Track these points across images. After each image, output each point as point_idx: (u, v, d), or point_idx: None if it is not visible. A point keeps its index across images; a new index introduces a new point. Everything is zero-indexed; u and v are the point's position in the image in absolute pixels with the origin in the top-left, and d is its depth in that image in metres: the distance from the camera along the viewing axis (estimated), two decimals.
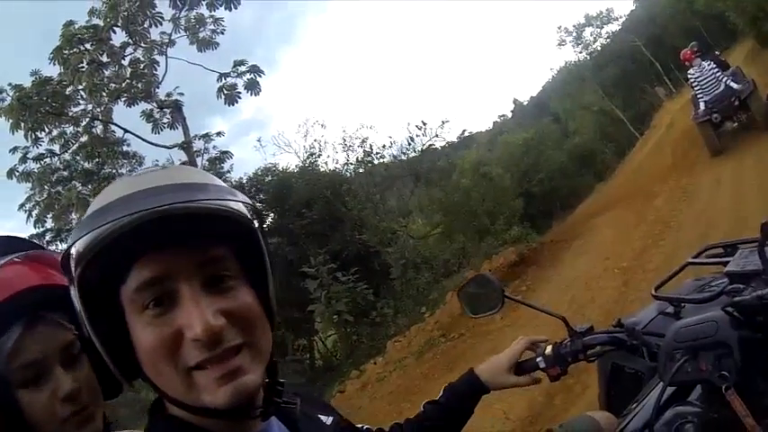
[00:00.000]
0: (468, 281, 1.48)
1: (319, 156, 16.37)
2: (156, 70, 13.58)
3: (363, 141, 15.92)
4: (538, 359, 1.42)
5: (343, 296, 12.20)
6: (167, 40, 13.64)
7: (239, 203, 0.75)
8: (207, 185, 0.73)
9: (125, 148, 14.27)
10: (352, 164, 16.17)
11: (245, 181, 16.14)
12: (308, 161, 16.32)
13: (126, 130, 13.86)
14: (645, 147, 16.81)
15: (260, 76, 14.15)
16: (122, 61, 13.34)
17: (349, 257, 13.74)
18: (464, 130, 17.14)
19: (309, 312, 12.68)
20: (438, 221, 13.54)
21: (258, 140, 16.41)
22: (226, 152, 15.38)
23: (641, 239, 8.77)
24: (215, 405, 0.69)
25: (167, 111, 13.94)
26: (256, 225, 0.77)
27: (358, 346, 12.26)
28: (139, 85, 13.41)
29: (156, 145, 14.01)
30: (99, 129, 13.75)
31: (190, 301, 0.69)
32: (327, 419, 0.99)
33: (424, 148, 15.34)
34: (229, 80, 14.08)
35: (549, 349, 1.42)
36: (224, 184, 0.77)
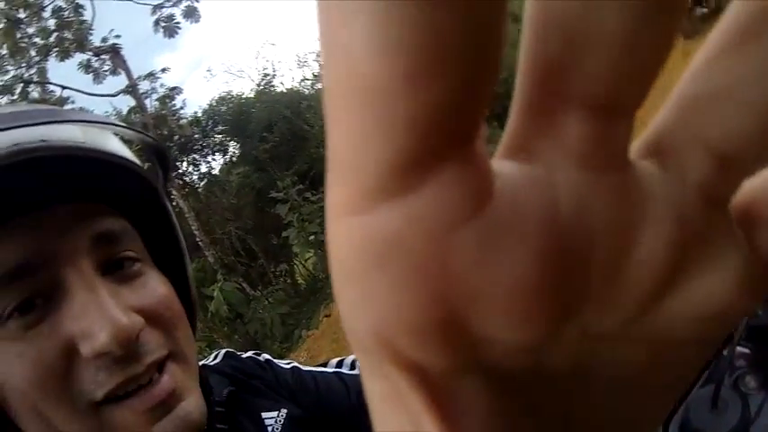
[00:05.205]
0: None
1: (274, 77, 15.91)
2: (82, 15, 12.91)
3: (318, 55, 15.53)
4: None
5: (315, 216, 11.95)
6: None
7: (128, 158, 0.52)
8: (87, 118, 0.51)
9: (69, 106, 13.31)
10: (309, 80, 15.83)
11: (200, 114, 15.63)
12: (263, 84, 15.87)
13: (64, 87, 13.17)
14: None
15: (197, 1, 13.32)
16: (42, 13, 12.63)
17: (317, 176, 13.25)
18: None
19: (285, 238, 12.59)
20: None
21: (208, 70, 16.18)
22: (174, 88, 14.64)
23: None
24: None
25: (106, 58, 13.39)
26: (160, 176, 0.56)
27: None
28: (69, 36, 12.79)
29: (99, 95, 13.55)
30: (36, 92, 12.90)
31: (83, 293, 0.45)
32: (277, 418, 0.67)
33: None
34: (165, 11, 13.20)
35: None
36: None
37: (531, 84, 0.12)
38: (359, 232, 0.11)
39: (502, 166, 0.12)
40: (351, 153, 0.11)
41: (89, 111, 0.54)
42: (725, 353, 0.94)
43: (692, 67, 0.12)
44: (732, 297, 0.13)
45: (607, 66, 0.11)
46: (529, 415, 0.13)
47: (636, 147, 0.13)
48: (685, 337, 0.13)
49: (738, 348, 0.94)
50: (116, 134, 0.52)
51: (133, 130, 0.54)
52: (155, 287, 0.51)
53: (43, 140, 0.44)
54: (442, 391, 0.12)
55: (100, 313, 0.44)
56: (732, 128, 0.12)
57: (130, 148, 0.55)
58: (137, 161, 0.53)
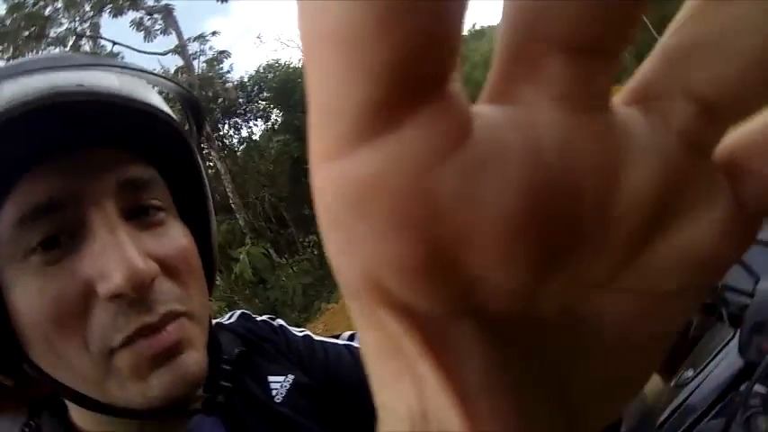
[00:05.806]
0: None
1: None
2: None
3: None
4: None
5: None
6: None
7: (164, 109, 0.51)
8: (124, 65, 0.51)
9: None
10: None
11: (246, 79, 15.76)
12: None
13: (115, 43, 13.44)
14: None
15: None
16: None
17: None
18: (474, 24, 16.44)
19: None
20: None
21: (258, 37, 16.16)
22: (223, 52, 14.77)
23: None
24: (146, 399, 0.46)
25: (158, 17, 13.56)
26: (194, 132, 0.56)
27: None
28: None
29: (148, 53, 13.75)
30: (87, 46, 13.16)
31: (104, 233, 0.46)
32: (283, 383, 0.66)
33: None
34: None
35: None
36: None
37: (512, 29, 0.12)
38: (340, 176, 0.11)
39: (483, 108, 0.12)
40: (328, 99, 0.11)
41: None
42: (741, 389, 0.93)
43: (678, 17, 0.12)
44: (717, 244, 0.12)
45: (587, 8, 0.11)
46: (523, 367, 0.13)
47: (621, 95, 0.13)
48: (671, 285, 0.13)
49: (756, 387, 0.92)
50: (152, 85, 0.52)
51: (167, 79, 0.53)
52: (175, 237, 0.51)
53: (80, 85, 0.45)
54: (436, 335, 0.12)
55: (117, 254, 0.44)
56: (716, 76, 0.12)
57: (169, 106, 0.55)
58: (171, 113, 0.52)
